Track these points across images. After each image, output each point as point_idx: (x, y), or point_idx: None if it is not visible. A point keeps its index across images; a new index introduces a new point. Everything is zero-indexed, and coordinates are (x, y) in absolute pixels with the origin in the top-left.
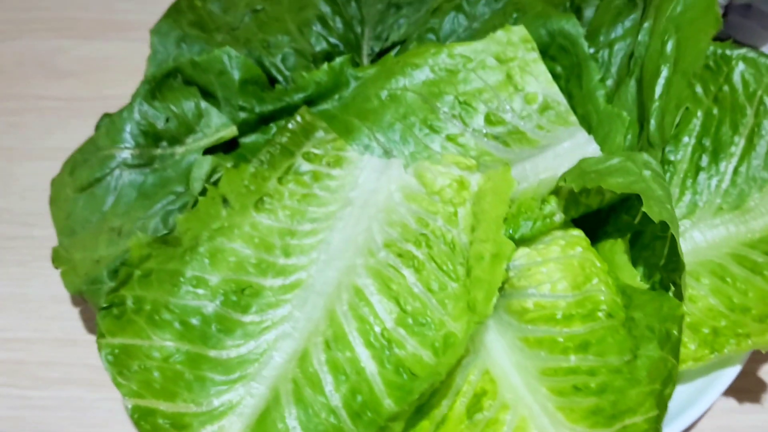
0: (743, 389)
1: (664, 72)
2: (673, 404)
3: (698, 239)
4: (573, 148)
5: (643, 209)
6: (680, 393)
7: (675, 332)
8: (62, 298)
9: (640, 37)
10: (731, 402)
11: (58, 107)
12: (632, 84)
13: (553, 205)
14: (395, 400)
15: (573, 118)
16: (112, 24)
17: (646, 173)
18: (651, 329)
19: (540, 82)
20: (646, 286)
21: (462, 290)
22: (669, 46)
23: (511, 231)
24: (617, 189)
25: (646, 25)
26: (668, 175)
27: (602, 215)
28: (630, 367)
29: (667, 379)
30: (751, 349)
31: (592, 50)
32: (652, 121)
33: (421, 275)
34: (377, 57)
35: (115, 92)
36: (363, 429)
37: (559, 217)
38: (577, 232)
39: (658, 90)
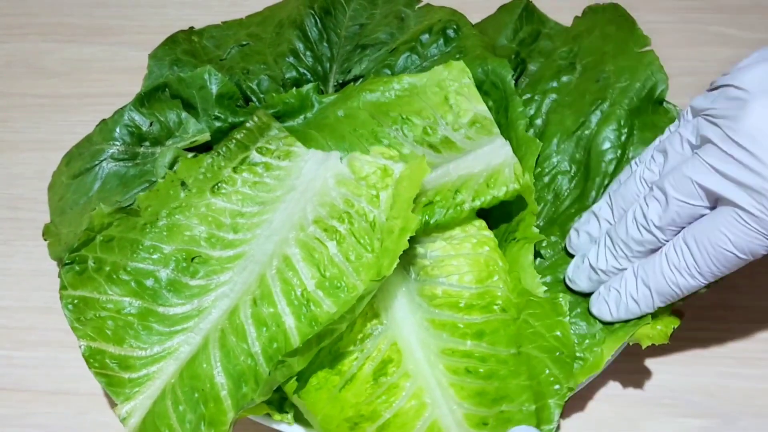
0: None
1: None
2: None
3: None
4: (490, 150)
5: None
6: None
7: (561, 353)
8: (41, 273)
9: (594, 107)
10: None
11: (44, 104)
12: (573, 139)
13: (463, 194)
14: None
15: (496, 129)
16: (93, 29)
17: None
18: (539, 336)
19: (471, 102)
20: (544, 288)
21: (375, 260)
22: (623, 137)
23: (427, 217)
24: None
25: (605, 105)
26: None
27: (512, 223)
28: (514, 360)
29: (548, 389)
30: (621, 343)
31: (530, 94)
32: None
33: (342, 247)
34: (340, 87)
35: (95, 91)
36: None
37: (468, 206)
38: (488, 233)
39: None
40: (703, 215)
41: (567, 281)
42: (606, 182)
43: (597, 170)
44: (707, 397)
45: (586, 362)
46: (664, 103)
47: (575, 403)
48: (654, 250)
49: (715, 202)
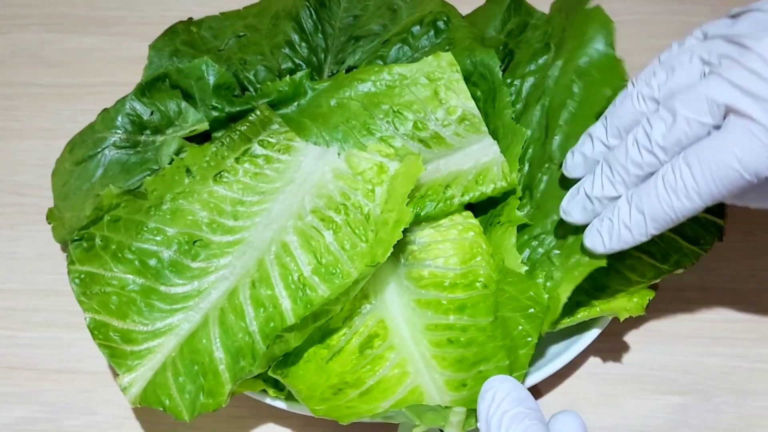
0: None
1: (570, 105)
2: (542, 357)
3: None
4: (479, 149)
5: None
6: (550, 350)
7: (534, 310)
8: (46, 256)
9: (551, 72)
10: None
11: (46, 93)
12: (538, 108)
13: (453, 189)
14: None
15: (484, 128)
16: (94, 20)
17: None
18: (514, 299)
19: (460, 98)
20: (526, 267)
21: (369, 250)
22: (575, 88)
23: (418, 209)
24: None
25: (558, 63)
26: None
27: (497, 208)
28: (492, 326)
29: (521, 342)
30: (599, 315)
31: (509, 80)
32: (556, 139)
33: (338, 236)
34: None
35: (96, 80)
36: None
37: (457, 200)
38: (474, 221)
39: (564, 117)
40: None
41: (561, 213)
42: (556, 132)
43: (553, 125)
44: (685, 374)
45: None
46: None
47: (557, 380)
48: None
49: (724, 121)
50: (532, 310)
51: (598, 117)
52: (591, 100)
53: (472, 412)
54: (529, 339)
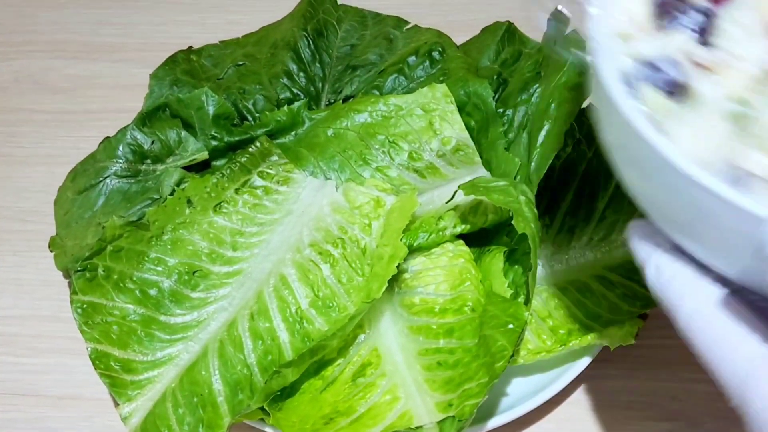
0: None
1: (546, 126)
2: (533, 385)
3: (572, 263)
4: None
5: (512, 222)
6: (542, 377)
7: (513, 325)
8: (51, 283)
9: (533, 99)
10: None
11: (50, 119)
12: (524, 136)
13: (446, 221)
14: None
15: (478, 158)
16: (97, 47)
17: (521, 198)
18: (495, 317)
19: (455, 129)
20: (511, 291)
21: (365, 284)
22: (552, 107)
23: (410, 240)
24: (496, 203)
25: (539, 89)
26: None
27: (489, 236)
28: (476, 346)
29: (498, 356)
30: (591, 343)
31: (502, 109)
32: (533, 164)
33: (335, 270)
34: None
35: (99, 107)
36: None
37: (449, 231)
38: (464, 248)
39: (540, 139)
40: None
41: None
42: (534, 154)
43: (533, 148)
44: (673, 401)
45: None
46: None
47: (549, 407)
48: None
49: None
50: (511, 325)
51: (566, 135)
52: (562, 116)
53: (444, 424)
54: (505, 352)
